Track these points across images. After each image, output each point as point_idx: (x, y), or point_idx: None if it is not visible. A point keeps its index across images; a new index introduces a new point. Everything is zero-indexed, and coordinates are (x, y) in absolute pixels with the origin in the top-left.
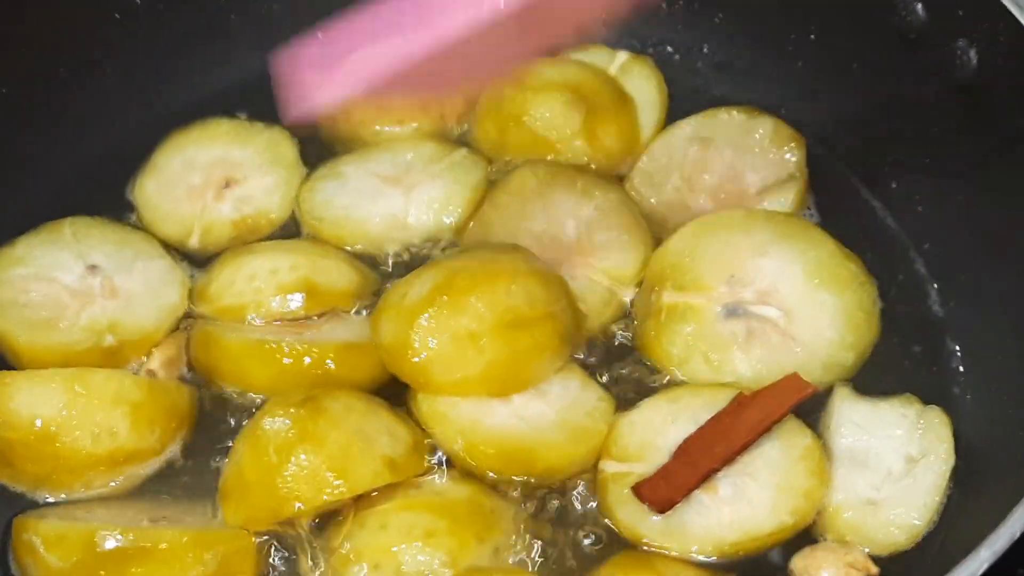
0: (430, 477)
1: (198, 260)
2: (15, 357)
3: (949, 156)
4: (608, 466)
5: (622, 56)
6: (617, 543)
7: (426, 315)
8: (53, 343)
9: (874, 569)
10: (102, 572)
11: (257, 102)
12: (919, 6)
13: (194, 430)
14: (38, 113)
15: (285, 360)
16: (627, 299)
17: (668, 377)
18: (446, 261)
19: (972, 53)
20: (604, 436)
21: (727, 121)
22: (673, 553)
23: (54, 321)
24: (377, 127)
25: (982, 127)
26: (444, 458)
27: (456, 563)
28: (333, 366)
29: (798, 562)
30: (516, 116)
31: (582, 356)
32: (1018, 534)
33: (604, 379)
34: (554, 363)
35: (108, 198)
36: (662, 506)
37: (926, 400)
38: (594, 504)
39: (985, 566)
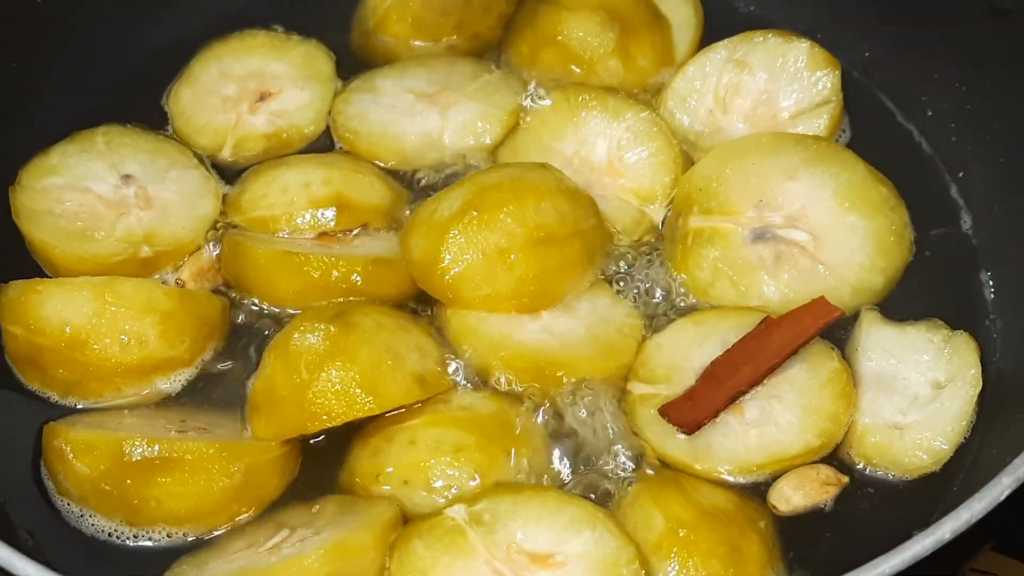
0: (459, 393)
1: (228, 174)
2: (52, 267)
3: (985, 82)
4: (636, 388)
5: None
6: (644, 463)
7: (456, 230)
8: (89, 254)
9: (844, 478)
10: (129, 481)
11: (293, 15)
12: None
13: (225, 342)
14: (74, 21)
15: (313, 273)
16: (657, 220)
17: (696, 300)
18: (477, 178)
19: None
20: (633, 352)
21: (762, 44)
22: (701, 473)
23: (90, 232)
24: (412, 43)
25: (1020, 53)
26: (472, 374)
27: (485, 478)
28: (360, 281)
29: (774, 495)
30: (550, 35)
31: (610, 275)
32: None
33: (632, 300)
34: (583, 280)
35: (142, 108)
36: (689, 427)
37: (955, 327)
38: (623, 424)
39: (1007, 492)
